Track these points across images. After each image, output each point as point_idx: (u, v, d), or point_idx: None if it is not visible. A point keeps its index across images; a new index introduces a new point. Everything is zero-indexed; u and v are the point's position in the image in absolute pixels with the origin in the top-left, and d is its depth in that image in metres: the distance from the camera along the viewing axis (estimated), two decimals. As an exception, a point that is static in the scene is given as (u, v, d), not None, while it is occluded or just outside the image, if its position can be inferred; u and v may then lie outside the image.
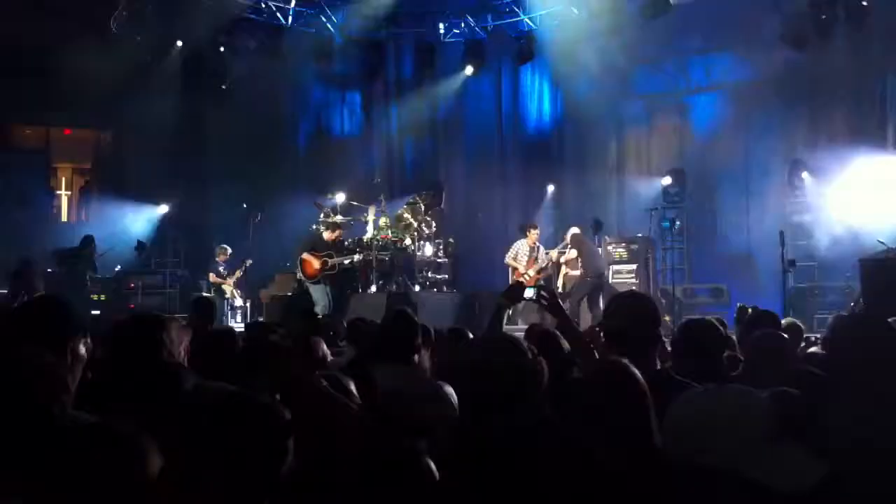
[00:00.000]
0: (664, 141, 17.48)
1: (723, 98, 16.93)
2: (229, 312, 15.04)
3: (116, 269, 16.02)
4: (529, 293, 4.41)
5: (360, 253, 13.79)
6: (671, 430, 2.13)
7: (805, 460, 2.01)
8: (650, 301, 4.11)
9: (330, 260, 13.13)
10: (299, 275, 13.51)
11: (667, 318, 14.13)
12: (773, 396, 2.39)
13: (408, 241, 14.21)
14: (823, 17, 14.26)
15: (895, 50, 14.25)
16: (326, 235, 13.49)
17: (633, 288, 14.39)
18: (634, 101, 17.80)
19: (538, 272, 13.45)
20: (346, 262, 13.47)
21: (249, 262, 14.84)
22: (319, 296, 13.08)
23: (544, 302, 4.28)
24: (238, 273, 14.64)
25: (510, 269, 13.96)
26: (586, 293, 13.06)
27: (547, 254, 13.82)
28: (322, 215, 14.26)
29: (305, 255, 13.24)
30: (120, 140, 18.74)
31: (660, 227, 15.60)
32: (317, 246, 13.31)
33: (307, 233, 14.17)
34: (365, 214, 14.92)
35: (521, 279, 13.09)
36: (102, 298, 15.14)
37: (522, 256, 13.49)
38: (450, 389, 3.75)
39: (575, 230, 13.51)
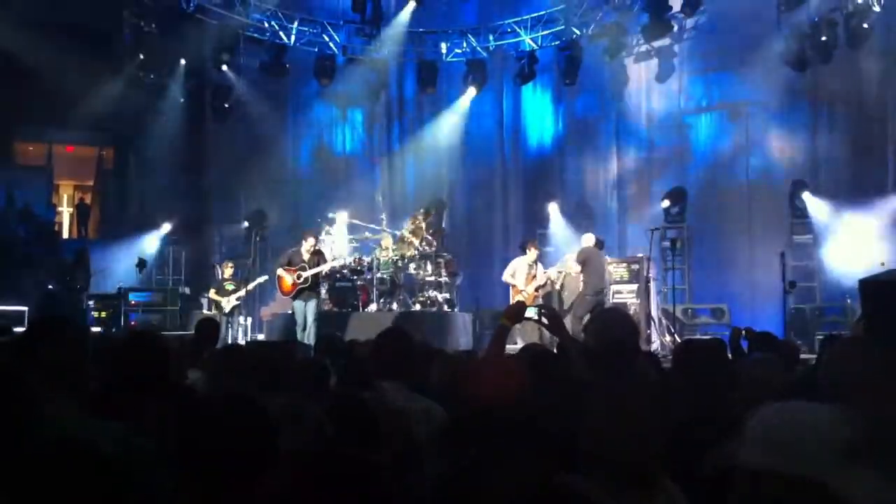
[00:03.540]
0: (665, 160, 17.50)
1: (724, 118, 16.97)
2: (229, 329, 14.89)
3: (118, 287, 16.01)
4: (531, 313, 4.40)
5: (334, 259, 13.45)
6: (757, 440, 2.12)
7: (884, 478, 2.00)
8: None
9: (303, 273, 12.42)
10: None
11: (667, 339, 14.12)
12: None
13: (409, 260, 14.19)
14: (824, 38, 14.32)
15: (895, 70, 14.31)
16: (304, 247, 12.66)
17: (633, 307, 14.39)
18: (636, 120, 17.83)
19: (536, 289, 13.32)
20: (321, 271, 12.70)
21: (264, 278, 14.52)
22: (298, 311, 12.50)
23: (545, 321, 4.27)
24: (242, 291, 14.40)
25: (510, 287, 13.90)
26: (587, 311, 12.99)
27: (545, 272, 13.73)
28: (324, 233, 14.26)
29: (279, 272, 12.65)
30: (122, 157, 18.80)
31: (661, 246, 15.60)
32: (292, 260, 12.64)
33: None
34: (366, 233, 14.94)
35: (520, 296, 12.98)
36: (103, 315, 15.12)
37: (520, 274, 13.38)
38: (439, 408, 3.74)
39: (589, 242, 13.27)
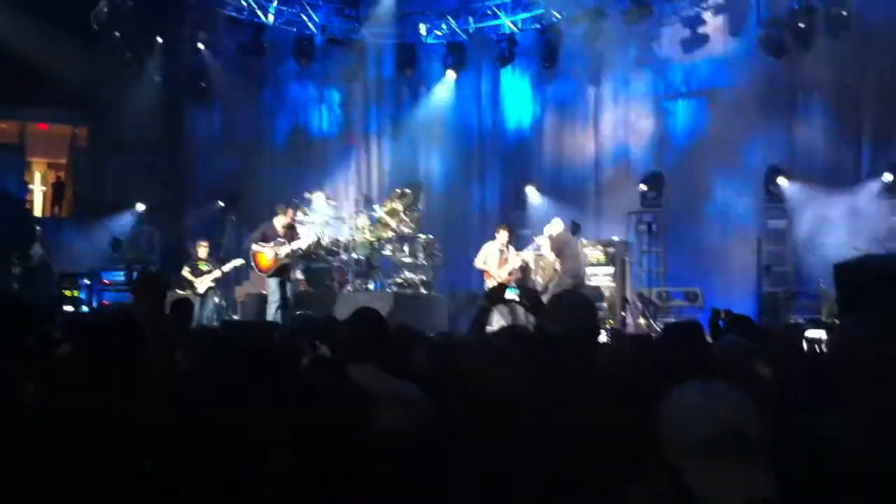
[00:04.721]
0: (643, 145, 17.52)
1: (702, 104, 17.01)
2: (203, 310, 14.59)
3: (90, 266, 15.87)
4: (511, 294, 4.42)
5: (314, 236, 13.07)
6: (662, 426, 2.10)
7: (739, 472, 1.95)
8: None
9: (280, 250, 12.03)
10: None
11: (642, 322, 14.22)
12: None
13: (385, 241, 14.14)
14: (802, 25, 14.39)
15: (873, 59, 14.39)
16: (278, 221, 12.32)
17: (609, 290, 14.45)
18: (614, 104, 17.84)
19: (509, 273, 13.23)
20: (298, 247, 12.32)
21: (240, 261, 14.22)
22: (273, 290, 12.12)
23: (526, 303, 4.28)
24: (217, 273, 14.18)
25: (483, 273, 13.83)
26: (564, 295, 12.99)
27: (518, 254, 13.63)
28: (299, 213, 14.15)
29: (255, 247, 12.18)
30: (96, 136, 18.59)
31: (637, 230, 15.66)
32: (266, 234, 12.21)
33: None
34: (342, 214, 14.88)
35: (492, 280, 12.90)
36: (75, 294, 14.98)
37: (492, 259, 13.28)
38: (416, 391, 3.69)
39: (556, 228, 13.11)
